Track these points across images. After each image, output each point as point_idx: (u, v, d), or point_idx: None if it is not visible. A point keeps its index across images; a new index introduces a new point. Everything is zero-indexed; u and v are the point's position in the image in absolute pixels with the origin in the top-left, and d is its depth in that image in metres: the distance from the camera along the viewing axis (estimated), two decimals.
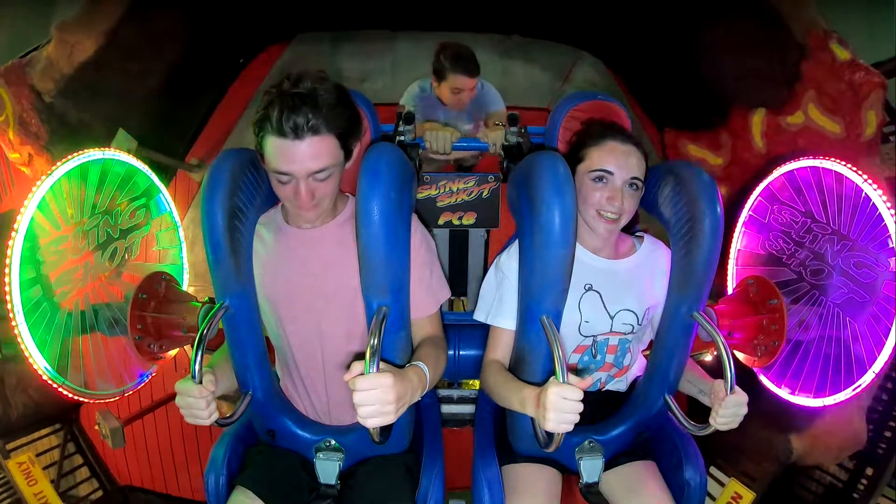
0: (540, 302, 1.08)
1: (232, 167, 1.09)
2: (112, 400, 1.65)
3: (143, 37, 2.39)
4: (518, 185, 1.18)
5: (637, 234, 1.34)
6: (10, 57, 2.13)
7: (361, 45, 3.62)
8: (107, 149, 1.72)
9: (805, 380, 1.56)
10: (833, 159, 1.58)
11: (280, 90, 1.01)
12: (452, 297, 1.83)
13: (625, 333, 1.24)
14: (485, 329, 1.29)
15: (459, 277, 1.78)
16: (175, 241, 1.97)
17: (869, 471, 2.02)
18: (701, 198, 1.11)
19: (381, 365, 0.91)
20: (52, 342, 1.50)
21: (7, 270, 1.40)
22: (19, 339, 1.42)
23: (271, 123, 0.99)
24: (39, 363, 1.46)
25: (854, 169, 1.51)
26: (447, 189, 1.63)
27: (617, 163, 1.16)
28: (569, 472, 1.26)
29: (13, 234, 1.42)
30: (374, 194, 0.99)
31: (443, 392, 1.76)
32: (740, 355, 1.50)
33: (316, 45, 3.59)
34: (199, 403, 0.98)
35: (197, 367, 0.98)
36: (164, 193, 1.94)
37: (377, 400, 0.89)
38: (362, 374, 0.89)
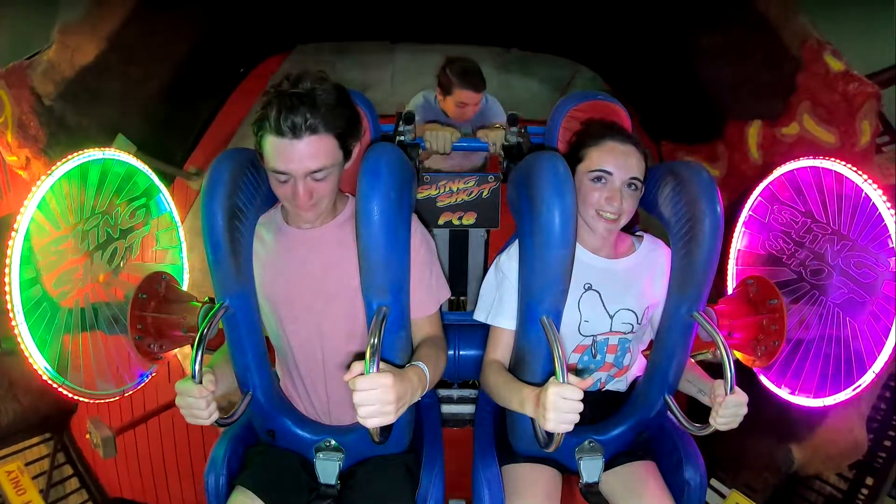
0: (540, 302, 1.08)
1: (232, 167, 1.09)
2: (112, 400, 1.65)
3: (144, 42, 2.40)
4: (518, 185, 1.18)
5: (637, 233, 1.34)
6: (12, 59, 2.12)
7: (361, 57, 3.66)
8: (107, 149, 1.71)
9: (805, 380, 1.56)
10: (833, 159, 1.58)
11: (279, 90, 1.01)
12: (452, 297, 1.83)
13: (624, 333, 1.24)
14: (485, 329, 1.29)
15: (459, 277, 1.78)
16: (175, 241, 1.97)
17: (869, 480, 2.03)
18: (701, 198, 1.11)
19: (381, 365, 0.91)
20: (52, 342, 1.50)
21: (7, 270, 1.40)
22: (19, 339, 1.42)
23: (269, 123, 0.99)
24: (39, 363, 1.45)
25: (854, 169, 1.51)
26: (447, 189, 1.63)
27: (616, 163, 1.16)
28: (569, 472, 1.26)
29: (13, 233, 1.42)
30: (374, 194, 0.99)
31: (443, 392, 1.76)
32: (740, 355, 1.50)
33: (316, 55, 3.61)
34: (199, 403, 0.98)
35: (197, 367, 0.98)
36: (164, 193, 1.94)
37: (377, 400, 0.89)
38: (362, 374, 0.89)
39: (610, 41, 3.22)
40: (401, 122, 1.68)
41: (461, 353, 1.57)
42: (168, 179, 2.95)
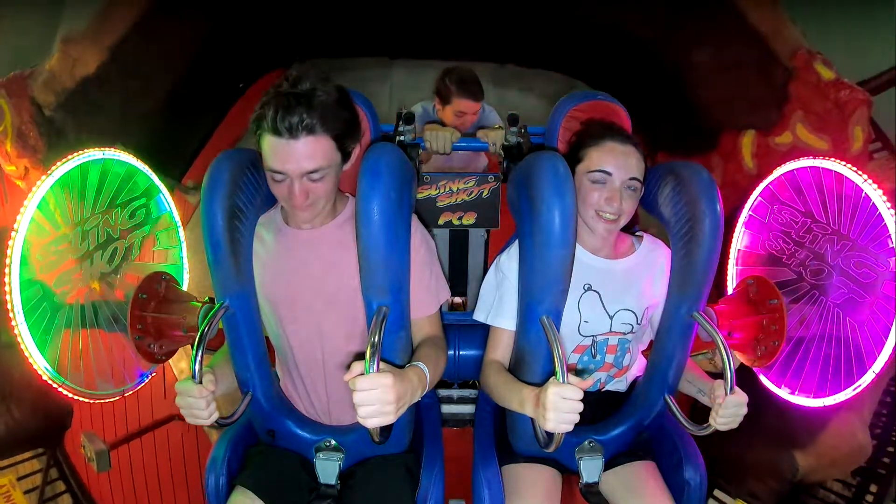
0: (540, 302, 1.08)
1: (232, 167, 1.09)
2: (112, 400, 1.65)
3: (145, 55, 2.42)
4: (518, 185, 1.18)
5: (637, 233, 1.34)
6: (14, 68, 2.12)
7: (360, 72, 3.69)
8: (107, 148, 1.72)
9: (805, 380, 1.56)
10: (833, 159, 1.58)
11: (278, 89, 1.01)
12: (452, 297, 1.83)
13: (624, 333, 1.24)
14: (485, 329, 1.29)
15: (459, 277, 1.77)
16: (175, 241, 1.97)
17: (873, 487, 2.03)
18: (701, 198, 1.11)
19: (381, 365, 0.91)
20: (52, 342, 1.50)
21: (7, 271, 1.40)
22: (19, 340, 1.42)
23: (267, 122, 1.00)
24: (39, 363, 1.45)
25: (854, 169, 1.51)
26: (447, 189, 1.63)
27: (616, 163, 1.16)
28: (569, 472, 1.26)
29: (13, 233, 1.42)
30: (374, 194, 0.99)
31: (443, 392, 1.76)
32: (740, 355, 1.50)
33: (315, 71, 3.64)
34: (199, 403, 0.98)
35: (197, 367, 0.98)
36: (164, 193, 1.94)
37: (377, 400, 0.89)
38: (362, 374, 0.89)
39: (604, 56, 3.26)
40: (401, 122, 1.68)
41: (461, 353, 1.57)
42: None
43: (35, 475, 2.36)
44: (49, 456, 2.41)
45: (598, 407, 1.27)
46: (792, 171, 1.69)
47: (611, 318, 1.23)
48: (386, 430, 1.00)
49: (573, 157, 1.21)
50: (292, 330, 1.19)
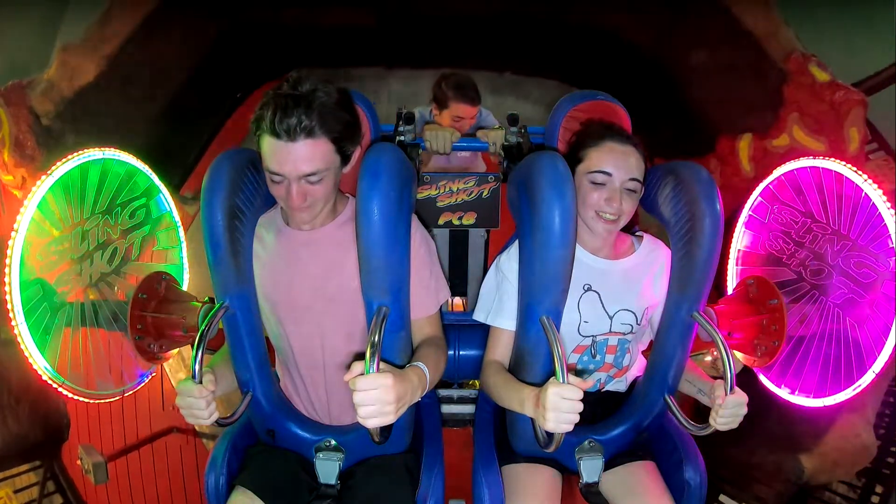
0: (540, 302, 1.08)
1: (231, 167, 1.09)
2: (111, 399, 1.65)
3: (143, 65, 2.44)
4: (518, 185, 1.18)
5: (637, 233, 1.33)
6: (12, 77, 2.12)
7: (357, 82, 3.71)
8: (107, 148, 1.72)
9: (805, 380, 1.56)
10: (833, 159, 1.58)
11: (277, 91, 1.01)
12: (452, 297, 1.83)
13: (624, 333, 1.24)
14: (485, 329, 1.29)
15: (459, 277, 1.78)
16: (175, 241, 1.97)
17: (878, 488, 2.03)
18: (701, 197, 1.11)
19: (381, 365, 0.91)
20: (52, 342, 1.50)
21: (7, 271, 1.40)
22: (19, 340, 1.42)
23: (266, 123, 0.99)
24: (39, 363, 1.46)
25: (854, 169, 1.51)
26: (447, 189, 1.63)
27: (616, 164, 1.16)
28: (569, 472, 1.26)
29: (13, 233, 1.42)
30: (374, 194, 0.98)
31: (443, 392, 1.76)
32: (740, 355, 1.50)
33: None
34: (199, 403, 0.98)
35: (197, 367, 0.98)
36: (164, 193, 1.94)
37: (377, 400, 0.89)
38: (362, 374, 0.89)
39: (601, 62, 3.27)
40: (401, 122, 1.68)
41: (461, 353, 1.57)
42: None
43: (32, 488, 2.33)
44: (46, 468, 2.38)
45: (598, 407, 1.27)
46: (792, 171, 1.69)
47: (611, 318, 1.23)
48: (386, 431, 1.00)
49: (573, 158, 1.21)
50: (292, 330, 1.19)
